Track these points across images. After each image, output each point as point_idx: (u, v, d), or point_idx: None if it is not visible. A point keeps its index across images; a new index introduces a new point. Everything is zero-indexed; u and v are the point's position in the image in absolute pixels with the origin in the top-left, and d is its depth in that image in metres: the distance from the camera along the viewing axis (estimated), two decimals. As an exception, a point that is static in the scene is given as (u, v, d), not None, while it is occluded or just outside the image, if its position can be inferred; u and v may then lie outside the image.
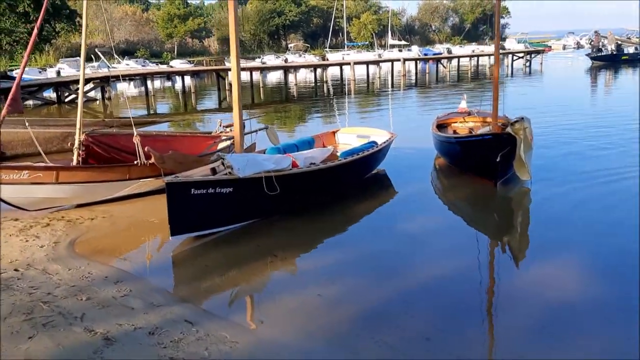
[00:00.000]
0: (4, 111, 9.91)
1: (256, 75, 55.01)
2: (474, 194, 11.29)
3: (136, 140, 10.85)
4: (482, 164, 11.21)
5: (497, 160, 10.78)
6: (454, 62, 55.81)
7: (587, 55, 62.18)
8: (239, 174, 8.72)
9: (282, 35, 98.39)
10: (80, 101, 11.10)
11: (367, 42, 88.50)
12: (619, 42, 61.15)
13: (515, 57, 57.73)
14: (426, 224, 9.57)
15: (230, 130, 14.36)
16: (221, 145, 13.40)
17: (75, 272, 7.40)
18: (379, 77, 46.16)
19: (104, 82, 34.45)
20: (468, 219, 9.95)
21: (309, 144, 12.99)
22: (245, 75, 54.48)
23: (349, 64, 44.73)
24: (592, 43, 64.50)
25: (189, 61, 65.71)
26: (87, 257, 8.13)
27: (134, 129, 11.01)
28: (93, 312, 6.13)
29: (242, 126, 9.83)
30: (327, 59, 64.18)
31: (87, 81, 33.54)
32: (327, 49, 76.94)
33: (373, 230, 9.33)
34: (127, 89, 48.27)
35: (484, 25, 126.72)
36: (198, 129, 22.18)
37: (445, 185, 12.47)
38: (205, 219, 8.83)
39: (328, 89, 40.97)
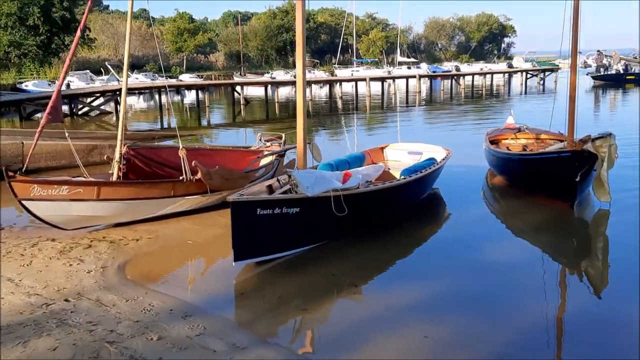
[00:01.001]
0: (43, 120, 9.04)
1: (268, 91, 54.55)
2: (547, 217, 10.28)
3: (182, 154, 9.95)
4: (556, 183, 10.29)
5: (577, 179, 9.87)
6: (468, 79, 55.16)
7: (589, 74, 60.63)
8: (307, 193, 7.79)
9: (289, 51, 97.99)
10: (122, 111, 10.22)
11: (376, 59, 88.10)
12: (626, 62, 59.40)
13: (529, 75, 57.07)
14: (498, 251, 8.61)
15: (272, 144, 13.51)
16: (264, 161, 12.50)
17: (135, 304, 6.44)
18: (394, 94, 45.40)
19: (117, 95, 33.55)
20: (548, 247, 8.92)
21: (360, 160, 12.09)
22: (258, 91, 54.08)
23: (364, 79, 43.97)
24: (591, 63, 62.67)
25: (198, 75, 65.08)
26: (142, 284, 7.18)
27: (179, 141, 10.13)
28: (171, 356, 5.16)
29: (304, 141, 8.90)
30: (336, 75, 63.54)
31: (101, 94, 32.78)
32: (336, 65, 76.35)
33: (444, 257, 8.33)
34: (136, 102, 47.58)
35: (490, 44, 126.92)
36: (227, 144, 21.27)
37: (507, 207, 11.44)
38: (271, 243, 7.90)
39: (348, 105, 40.17)
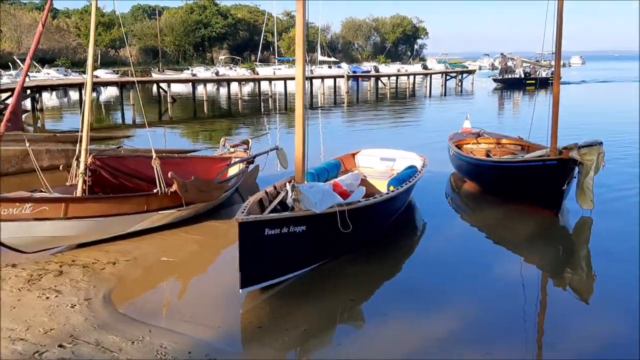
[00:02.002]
0: (1, 127, 7.80)
1: (188, 88, 52.65)
2: (534, 226, 10.15)
3: (156, 164, 8.99)
4: (540, 191, 10.25)
5: (564, 188, 9.87)
6: (392, 79, 56.03)
7: (491, 77, 62.75)
8: (315, 210, 7.16)
9: (207, 47, 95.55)
10: (87, 112, 9.05)
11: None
12: (530, 65, 60.57)
13: (448, 77, 58.71)
14: (495, 265, 8.39)
15: (236, 150, 12.69)
16: (233, 170, 11.68)
17: (143, 347, 5.57)
18: (323, 93, 45.15)
19: (34, 92, 31.00)
20: (545, 260, 8.79)
21: (337, 167, 11.57)
22: (179, 88, 52.08)
23: (293, 79, 43.28)
24: (500, 66, 63.42)
25: (114, 71, 61.74)
26: (139, 319, 6.27)
27: (152, 151, 9.14)
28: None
29: (304, 151, 8.20)
30: (258, 73, 62.53)
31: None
32: (257, 63, 75.23)
33: (450, 273, 7.98)
34: (48, 99, 44.34)
35: (404, 45, 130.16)
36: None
37: (489, 216, 11.17)
38: (277, 265, 7.21)
39: (285, 104, 39.40)
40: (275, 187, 9.14)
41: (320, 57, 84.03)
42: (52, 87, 41.00)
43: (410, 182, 9.90)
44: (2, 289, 6.95)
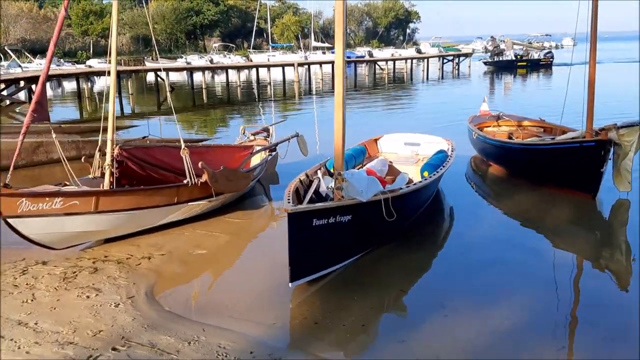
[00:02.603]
0: (27, 118, 7.41)
1: (182, 77, 51.97)
2: (572, 211, 9.88)
3: (185, 154, 8.63)
4: (577, 174, 9.98)
5: (602, 170, 9.61)
6: (390, 64, 55.62)
7: (481, 60, 61.87)
8: (362, 198, 6.84)
9: (199, 35, 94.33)
10: (112, 102, 8.65)
11: (291, 44, 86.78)
12: (521, 48, 59.56)
13: (445, 61, 58.31)
14: (537, 249, 8.13)
15: (256, 138, 12.33)
16: (256, 158, 11.34)
17: (201, 347, 5.26)
18: (321, 79, 44.72)
19: (29, 84, 30.32)
20: (590, 247, 8.55)
21: (363, 153, 11.25)
22: (173, 76, 51.37)
23: (292, 65, 42.89)
24: (490, 49, 62.38)
25: (108, 61, 60.65)
26: (189, 317, 5.97)
27: (181, 141, 8.77)
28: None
29: (344, 138, 7.84)
30: (252, 60, 61.81)
31: (13, 82, 29.49)
32: (251, 50, 74.40)
33: (492, 259, 7.69)
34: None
35: (396, 29, 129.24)
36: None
37: (522, 200, 10.80)
38: (325, 256, 6.93)
39: (276, 90, 38.93)
40: (307, 176, 8.83)
41: (314, 43, 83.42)
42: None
43: (444, 167, 9.59)
44: (37, 288, 6.62)
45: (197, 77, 42.93)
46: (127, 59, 65.48)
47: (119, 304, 6.15)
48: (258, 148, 11.17)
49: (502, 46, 60.74)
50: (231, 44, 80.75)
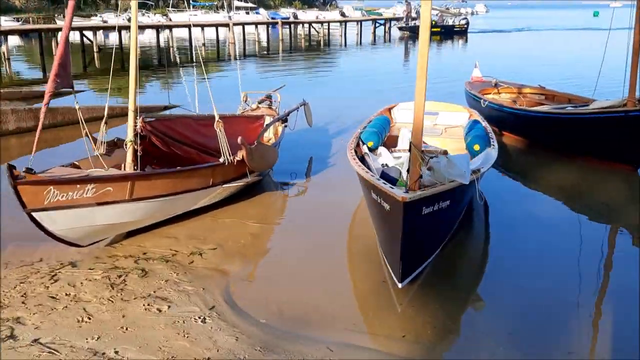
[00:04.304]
0: (49, 86, 5.85)
1: (99, 37, 47.95)
2: (613, 182, 9.44)
3: (219, 127, 7.33)
4: (619, 145, 9.57)
5: (648, 140, 9.24)
6: (317, 27, 54.22)
7: (395, 25, 60.91)
8: (464, 180, 5.95)
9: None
10: (133, 68, 7.09)
11: (213, 3, 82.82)
12: (436, 14, 58.50)
13: (377, 24, 57.71)
14: (582, 231, 7.66)
15: (260, 107, 11.03)
16: (272, 130, 10.10)
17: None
18: (256, 40, 42.72)
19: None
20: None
21: (388, 124, 10.31)
22: (90, 36, 47.30)
23: (227, 25, 40.60)
24: (405, 13, 61.41)
25: (15, 19, 54.95)
26: (299, 332, 4.90)
27: (215, 112, 7.42)
28: None
29: (422, 111, 6.83)
30: (171, 20, 58.21)
31: None
32: (170, 9, 70.26)
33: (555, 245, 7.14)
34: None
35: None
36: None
37: (561, 174, 9.88)
38: (426, 249, 6.02)
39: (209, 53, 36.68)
40: (355, 152, 7.78)
41: (237, 3, 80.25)
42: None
43: (492, 137, 8.77)
44: (84, 300, 5.26)
45: (114, 36, 39.42)
46: (35, 17, 59.76)
47: (204, 319, 4.96)
48: (271, 119, 9.90)
49: (414, 13, 59.24)
50: (149, 1, 75.84)
